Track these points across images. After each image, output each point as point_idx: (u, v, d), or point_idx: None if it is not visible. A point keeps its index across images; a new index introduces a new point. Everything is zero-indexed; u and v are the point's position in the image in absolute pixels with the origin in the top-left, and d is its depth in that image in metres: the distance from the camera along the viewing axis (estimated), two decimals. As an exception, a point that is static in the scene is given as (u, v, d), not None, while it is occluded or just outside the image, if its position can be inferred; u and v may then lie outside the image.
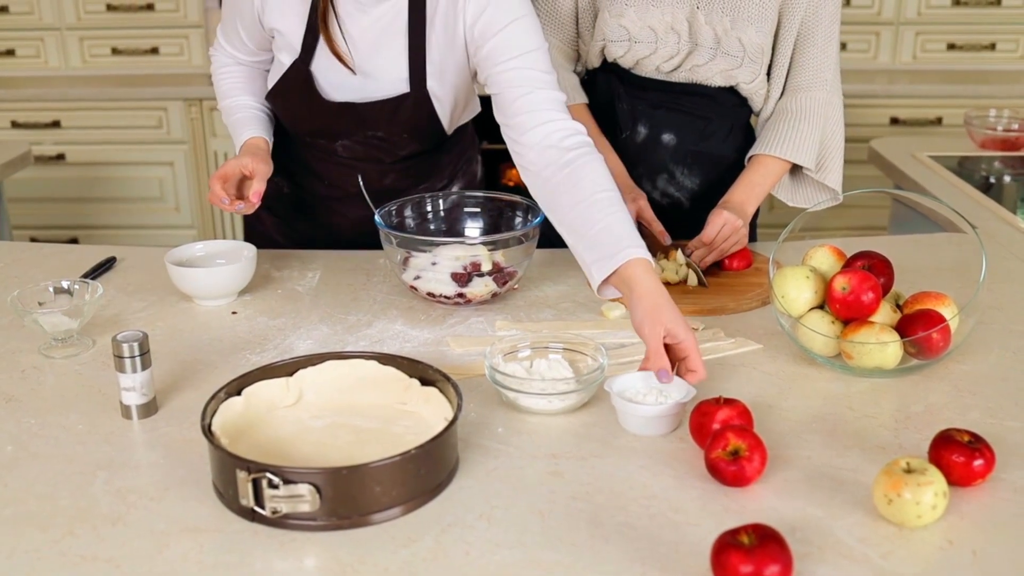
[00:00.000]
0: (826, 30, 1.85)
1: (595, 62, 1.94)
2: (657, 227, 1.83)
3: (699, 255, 1.78)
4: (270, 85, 1.82)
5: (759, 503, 1.14)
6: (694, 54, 1.84)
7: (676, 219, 1.92)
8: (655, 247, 1.81)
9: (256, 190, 1.69)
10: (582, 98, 1.96)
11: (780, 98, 1.90)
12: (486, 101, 1.92)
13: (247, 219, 2.03)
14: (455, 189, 1.97)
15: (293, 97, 1.78)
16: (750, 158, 1.88)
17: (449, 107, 1.79)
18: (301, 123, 1.83)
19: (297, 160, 1.90)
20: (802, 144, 1.84)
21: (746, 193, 1.83)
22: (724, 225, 1.75)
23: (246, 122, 1.81)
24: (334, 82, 1.74)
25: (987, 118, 2.91)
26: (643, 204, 1.84)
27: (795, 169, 1.91)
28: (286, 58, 1.75)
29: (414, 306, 1.69)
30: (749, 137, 2.00)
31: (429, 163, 1.91)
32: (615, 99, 1.91)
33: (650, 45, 1.84)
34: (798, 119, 1.85)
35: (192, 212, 3.93)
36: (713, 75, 1.86)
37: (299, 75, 1.74)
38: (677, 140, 1.91)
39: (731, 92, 1.89)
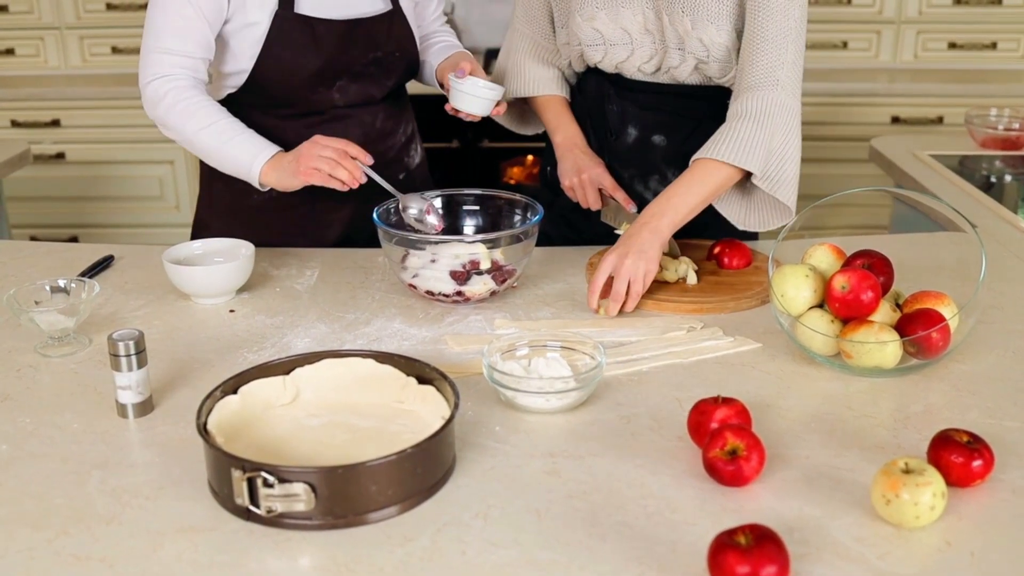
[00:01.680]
0: (779, 25, 1.66)
1: (579, 66, 1.94)
2: (620, 195, 1.84)
3: (613, 308, 1.62)
4: (255, 46, 1.79)
5: (757, 503, 1.13)
6: (667, 56, 1.80)
7: None
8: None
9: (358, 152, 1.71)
10: (551, 91, 1.96)
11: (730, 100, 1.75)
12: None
13: None
14: (417, 145, 2.06)
15: (294, 37, 1.79)
16: (691, 163, 1.72)
17: (415, 30, 1.95)
18: (305, 65, 1.81)
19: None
20: (741, 144, 1.65)
21: (662, 204, 1.67)
22: (613, 267, 1.62)
23: (257, 138, 1.77)
24: (322, 13, 1.80)
25: (988, 117, 2.90)
26: (602, 171, 1.86)
27: (745, 186, 1.75)
28: (262, 15, 1.77)
29: (413, 304, 1.68)
30: None
31: (403, 101, 2.01)
32: (605, 101, 1.90)
33: (627, 47, 1.81)
34: (740, 119, 1.67)
35: (192, 211, 3.92)
36: (689, 75, 1.81)
37: (290, 17, 1.78)
38: (668, 142, 1.89)
39: (720, 90, 1.85)
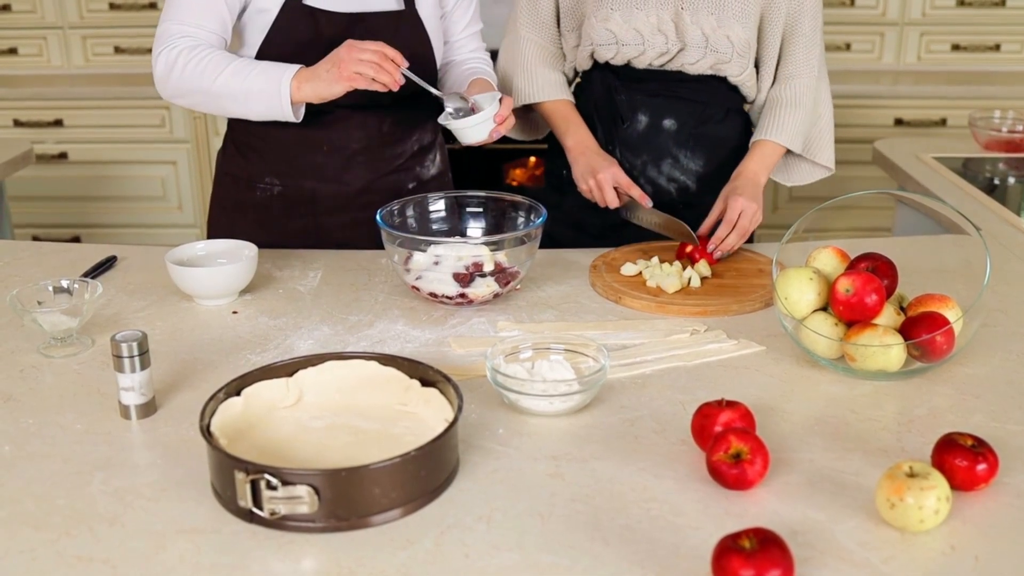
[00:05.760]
0: (811, 20, 1.92)
1: (585, 65, 1.98)
2: (636, 191, 1.87)
3: (729, 242, 1.81)
4: (262, 34, 1.80)
5: (760, 506, 1.13)
6: (684, 53, 1.88)
7: (685, 203, 1.99)
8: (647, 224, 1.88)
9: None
10: (562, 95, 1.99)
11: (772, 86, 1.97)
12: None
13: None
14: (436, 156, 2.02)
15: (298, 27, 1.79)
16: (752, 143, 1.95)
17: (436, 37, 1.91)
18: (306, 57, 1.79)
19: (289, 155, 1.89)
20: (793, 130, 1.93)
21: (757, 164, 1.91)
22: (742, 209, 1.82)
23: (276, 64, 1.74)
24: (328, 5, 1.80)
25: (991, 119, 2.90)
26: (616, 170, 1.88)
27: (789, 152, 1.99)
28: (272, 2, 1.78)
29: (416, 306, 1.68)
30: (745, 120, 2.05)
31: (421, 109, 1.93)
32: (612, 92, 1.94)
33: (638, 47, 1.88)
34: (790, 106, 1.93)
35: (195, 211, 3.93)
36: (703, 70, 1.91)
37: (297, 7, 1.78)
38: (678, 125, 1.95)
39: (722, 80, 1.94)
